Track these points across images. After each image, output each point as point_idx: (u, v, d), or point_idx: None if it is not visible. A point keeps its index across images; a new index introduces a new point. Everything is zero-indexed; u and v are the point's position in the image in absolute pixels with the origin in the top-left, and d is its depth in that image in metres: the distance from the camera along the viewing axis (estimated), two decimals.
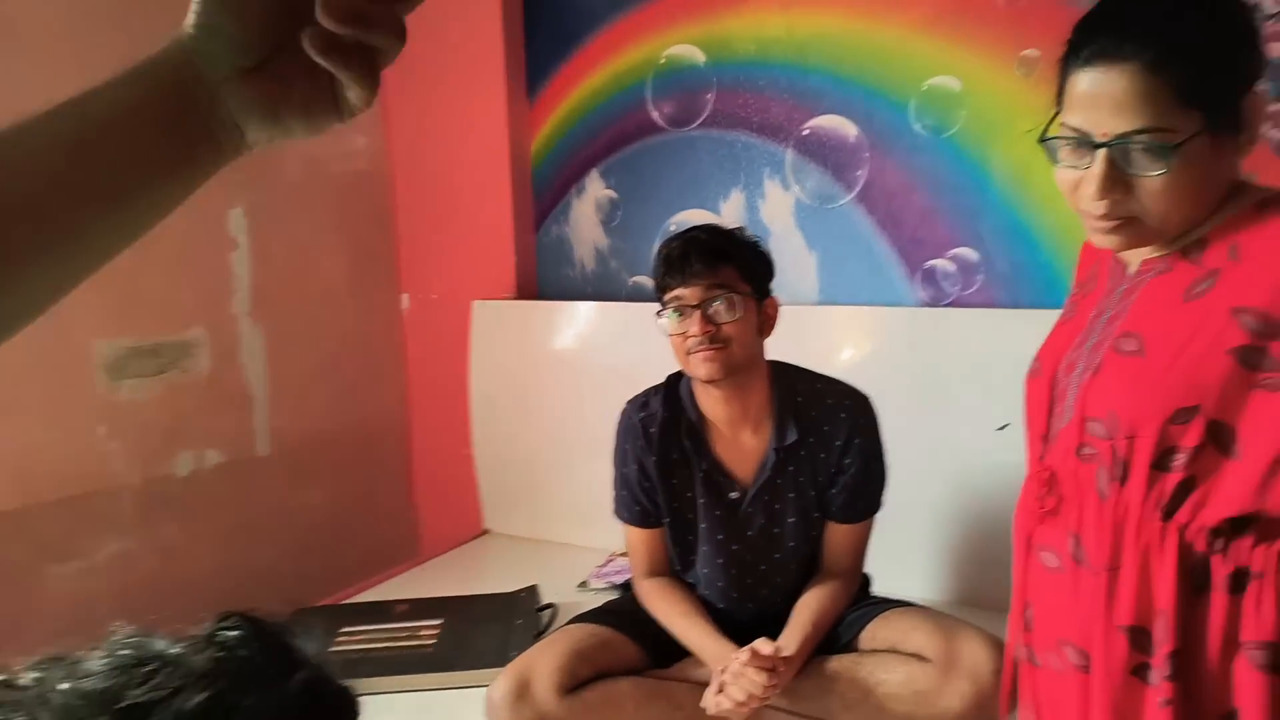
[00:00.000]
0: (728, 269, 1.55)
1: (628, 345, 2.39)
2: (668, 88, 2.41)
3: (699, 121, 2.39)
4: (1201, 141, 0.90)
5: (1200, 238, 0.96)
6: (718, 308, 1.52)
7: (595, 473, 2.37)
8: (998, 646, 1.41)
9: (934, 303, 2.15)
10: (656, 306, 2.28)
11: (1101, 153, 0.91)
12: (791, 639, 1.52)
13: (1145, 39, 0.89)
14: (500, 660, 1.72)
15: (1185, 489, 0.92)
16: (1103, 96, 0.91)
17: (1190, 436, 0.91)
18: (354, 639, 1.85)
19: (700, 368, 1.54)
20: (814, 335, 2.14)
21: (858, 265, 2.23)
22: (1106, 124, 0.91)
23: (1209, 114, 0.90)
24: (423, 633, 1.87)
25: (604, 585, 2.14)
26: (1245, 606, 0.90)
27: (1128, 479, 0.95)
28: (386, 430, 2.77)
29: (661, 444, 1.64)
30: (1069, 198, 0.97)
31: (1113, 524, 0.96)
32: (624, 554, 2.30)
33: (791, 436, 1.58)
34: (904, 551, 1.97)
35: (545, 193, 2.63)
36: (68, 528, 2.02)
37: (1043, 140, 0.98)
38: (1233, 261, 0.92)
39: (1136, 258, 1.02)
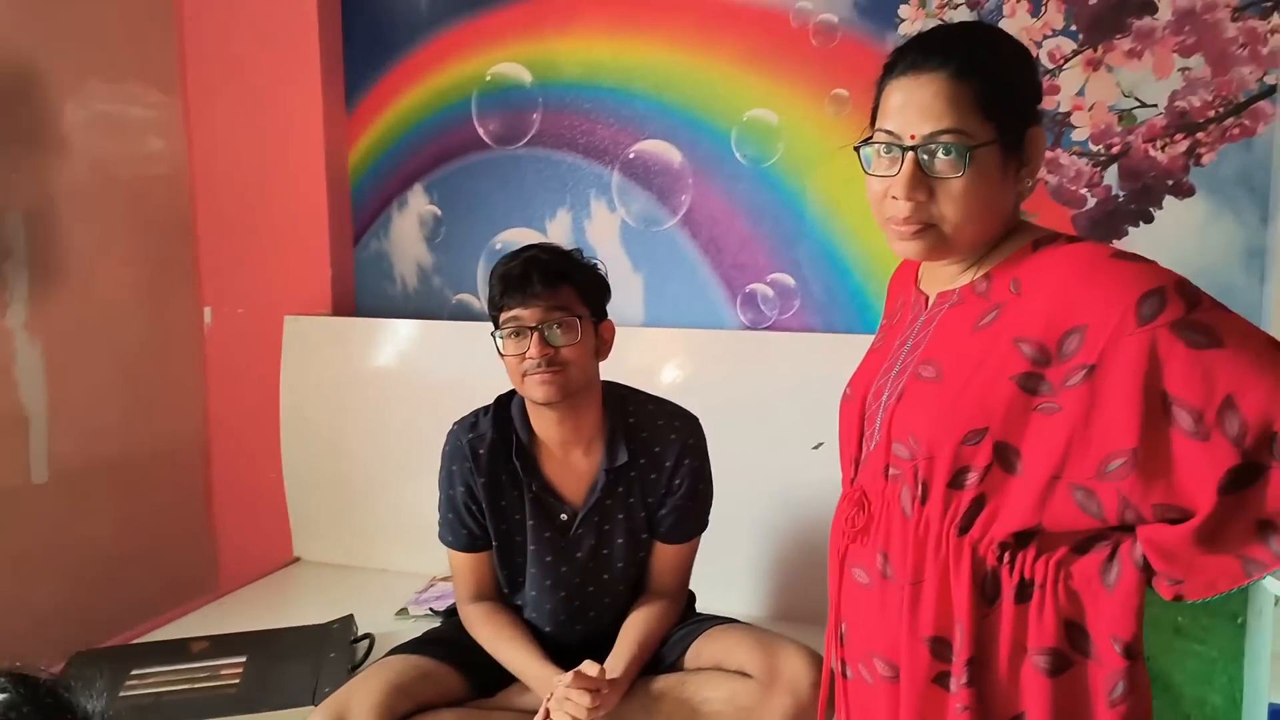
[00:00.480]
0: (567, 291, 1.54)
1: (450, 364, 2.33)
2: (493, 105, 2.39)
3: (525, 140, 2.37)
4: (993, 154, 0.99)
5: (986, 273, 1.04)
6: (556, 331, 1.51)
7: (415, 495, 2.30)
8: (816, 660, 1.46)
9: (754, 326, 2.22)
10: (479, 325, 2.25)
11: (909, 155, 0.99)
12: (617, 661, 1.52)
13: (950, 53, 1.00)
14: (312, 698, 1.63)
15: (977, 506, 0.98)
16: (912, 102, 1.00)
17: (980, 457, 0.97)
18: (146, 682, 1.70)
19: (537, 390, 1.52)
20: (639, 356, 2.16)
21: (682, 288, 2.27)
22: (915, 126, 0.99)
23: (1001, 130, 0.99)
24: (224, 672, 1.74)
25: (424, 612, 2.07)
26: (1030, 615, 0.97)
27: (928, 498, 1.00)
28: (183, 453, 2.58)
29: (490, 466, 1.60)
30: (877, 209, 1.04)
31: (915, 540, 1.01)
32: (446, 578, 2.25)
33: (622, 457, 1.59)
34: (726, 569, 2.01)
35: (365, 206, 2.54)
36: None
37: (859, 146, 1.05)
38: (1014, 295, 1.00)
39: (933, 290, 1.09)
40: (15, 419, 2.14)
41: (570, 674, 1.41)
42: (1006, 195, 1.02)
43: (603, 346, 1.61)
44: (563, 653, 1.55)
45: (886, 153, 1.01)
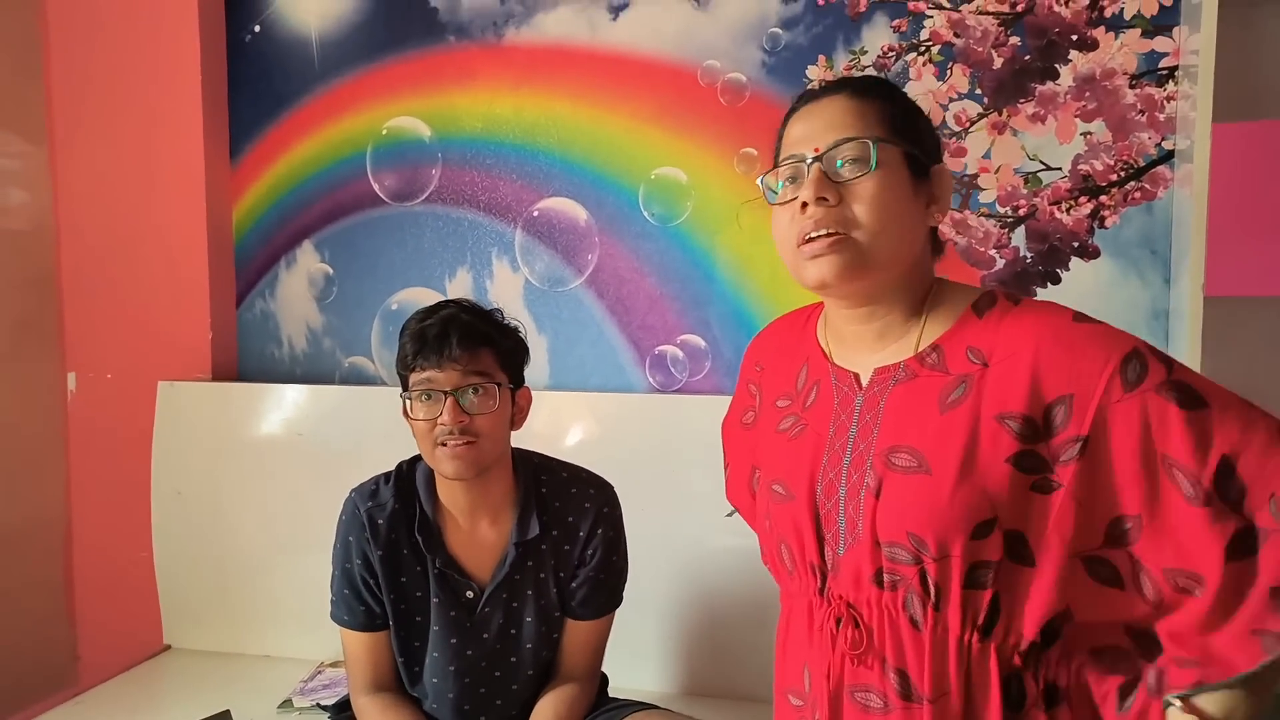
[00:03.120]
0: (487, 355, 1.42)
1: (342, 432, 2.18)
2: (390, 159, 2.29)
3: (424, 196, 2.27)
4: (901, 167, 0.95)
5: (933, 343, 0.97)
6: (473, 397, 1.39)
7: (301, 573, 2.13)
8: None
9: (664, 389, 2.14)
10: (373, 390, 2.11)
11: (814, 165, 0.95)
12: None
13: (850, 82, 0.99)
14: None
15: (995, 604, 0.91)
16: (814, 122, 0.97)
17: (992, 550, 0.90)
18: None
19: (448, 465, 1.39)
20: (544, 421, 2.06)
21: (588, 350, 2.18)
22: (818, 140, 0.95)
23: (908, 150, 0.96)
24: None
25: (309, 704, 1.89)
26: None
27: (943, 603, 0.91)
28: (41, 531, 2.35)
29: (390, 538, 1.46)
30: (784, 241, 0.97)
31: (932, 650, 0.92)
32: (336, 663, 2.08)
33: (534, 530, 1.47)
34: (636, 644, 1.90)
35: (249, 264, 2.39)
36: None
37: (762, 178, 1.01)
38: (981, 368, 0.93)
39: (862, 366, 1.01)
40: None
41: None
42: (917, 217, 0.97)
43: (519, 414, 1.49)
44: None
45: (791, 180, 0.97)
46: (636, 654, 1.90)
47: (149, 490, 2.24)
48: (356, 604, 1.49)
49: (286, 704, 1.90)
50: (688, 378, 2.14)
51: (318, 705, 1.88)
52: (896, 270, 0.96)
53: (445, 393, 1.38)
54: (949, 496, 0.90)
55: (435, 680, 1.49)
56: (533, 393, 1.54)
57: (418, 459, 1.50)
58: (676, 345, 2.14)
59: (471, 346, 1.40)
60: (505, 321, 1.50)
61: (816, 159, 0.95)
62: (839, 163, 0.94)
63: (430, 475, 1.50)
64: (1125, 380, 0.87)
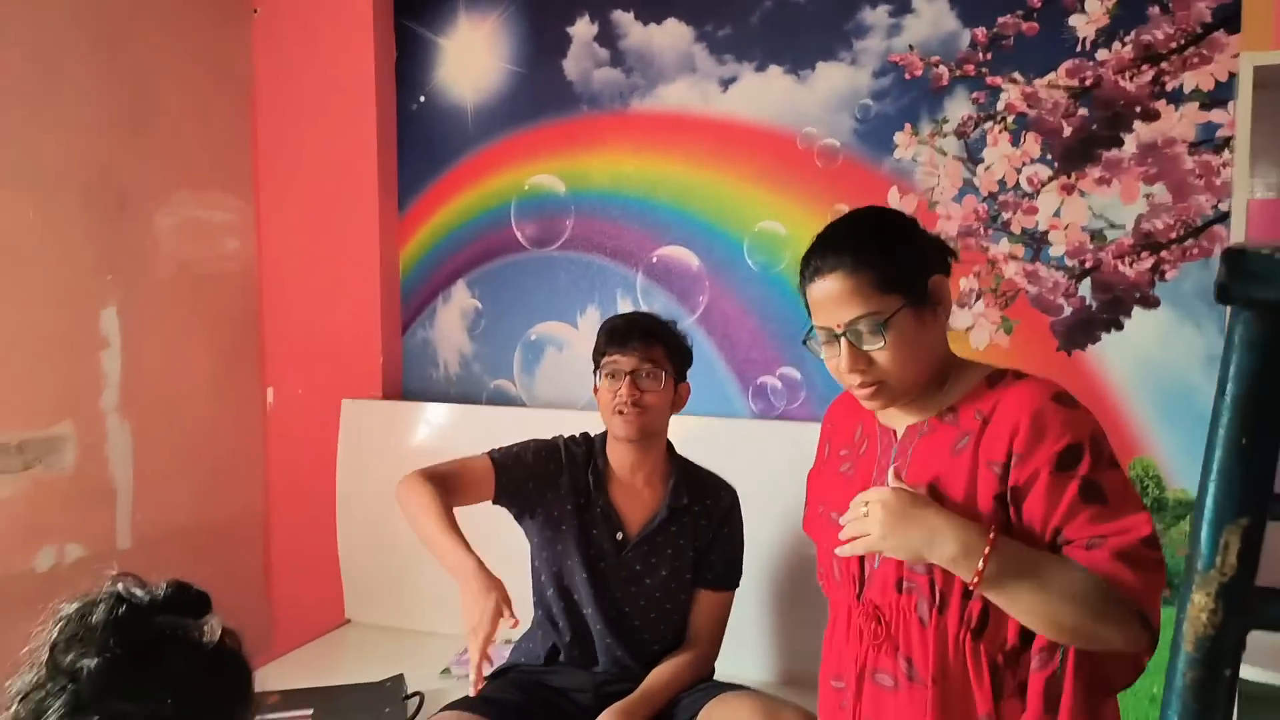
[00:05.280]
0: (659, 349, 1.85)
1: (486, 445, 2.57)
2: (530, 211, 2.67)
3: (559, 243, 2.64)
4: (905, 316, 1.21)
5: (951, 405, 1.26)
6: (645, 377, 1.81)
7: None
8: None
9: (764, 415, 2.46)
10: (514, 410, 2.53)
11: (842, 340, 1.22)
12: (632, 696, 1.78)
13: (842, 252, 1.22)
14: None
15: (985, 613, 1.19)
16: (827, 299, 1.23)
17: None
18: None
19: (620, 428, 1.82)
20: None
21: (698, 380, 2.49)
22: (836, 317, 1.22)
23: (905, 295, 1.21)
24: None
25: (464, 673, 2.28)
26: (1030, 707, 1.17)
27: (945, 608, 1.20)
28: (245, 523, 2.84)
29: (572, 471, 1.90)
30: (836, 376, 1.27)
31: (935, 644, 1.20)
32: None
33: (683, 499, 1.87)
34: (738, 637, 2.22)
35: (413, 299, 2.81)
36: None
37: (804, 341, 1.29)
38: (982, 424, 1.22)
39: (901, 424, 1.31)
40: (106, 491, 2.40)
41: None
42: (931, 337, 1.25)
43: (678, 401, 1.90)
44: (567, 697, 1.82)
45: (825, 342, 1.26)
46: (738, 645, 2.23)
47: (334, 488, 2.70)
48: (510, 457, 1.89)
49: (446, 671, 2.31)
50: (785, 405, 2.45)
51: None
52: (924, 379, 1.26)
53: (625, 372, 1.82)
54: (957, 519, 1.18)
55: (560, 605, 1.88)
56: None
57: (598, 436, 1.95)
58: (776, 377, 2.46)
59: (648, 340, 1.84)
60: (678, 330, 1.93)
61: (840, 334, 1.22)
62: (859, 335, 1.21)
63: (605, 440, 1.92)
64: (1061, 460, 1.15)
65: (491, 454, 1.92)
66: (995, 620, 1.19)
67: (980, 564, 1.12)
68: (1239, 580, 0.52)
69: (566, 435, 1.98)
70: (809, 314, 1.29)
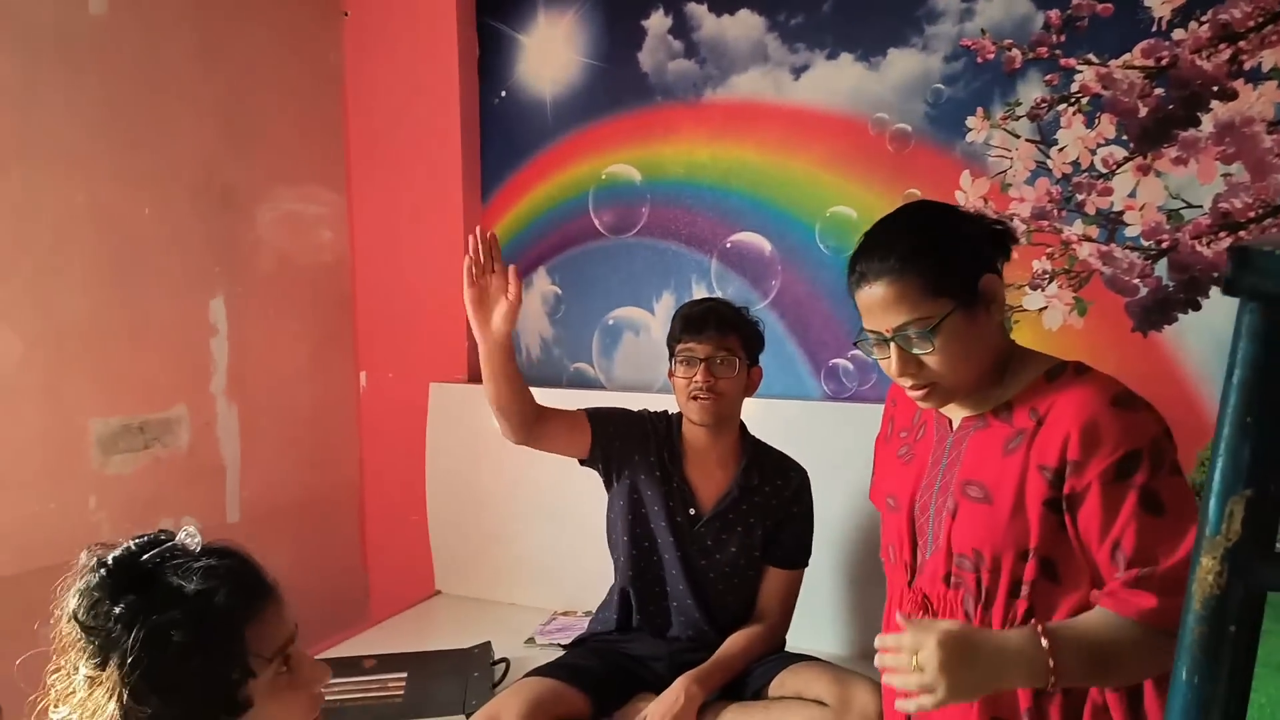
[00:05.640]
0: (733, 337, 1.92)
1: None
2: (607, 200, 2.76)
3: (635, 230, 2.73)
4: (956, 319, 1.18)
5: (1006, 401, 1.23)
6: (720, 365, 1.89)
7: (539, 538, 2.66)
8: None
9: (836, 396, 2.51)
10: (593, 392, 2.64)
11: (892, 345, 1.21)
12: (704, 667, 1.86)
13: (887, 258, 1.20)
14: (461, 709, 1.98)
15: (1029, 614, 1.20)
16: (875, 305, 1.21)
17: (1030, 571, 1.18)
18: (330, 691, 2.08)
19: (695, 413, 1.91)
20: None
21: (771, 362, 2.56)
22: (885, 322, 1.21)
23: (955, 298, 1.18)
24: (390, 685, 2.11)
25: (548, 642, 2.40)
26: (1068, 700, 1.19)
27: (991, 604, 1.20)
28: (341, 499, 3.00)
29: (655, 442, 2.00)
30: (891, 375, 1.26)
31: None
32: (566, 613, 2.58)
33: (754, 479, 1.95)
34: (810, 612, 2.29)
35: None
36: (58, 592, 2.21)
37: (856, 341, 1.29)
38: (1036, 425, 1.19)
39: (957, 415, 1.30)
40: (216, 469, 2.58)
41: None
42: (985, 336, 1.22)
43: (751, 386, 1.97)
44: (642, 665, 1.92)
45: (875, 345, 1.25)
46: (809, 620, 2.29)
47: (423, 466, 2.84)
48: (604, 418, 2.00)
49: (530, 641, 2.43)
50: (856, 386, 2.50)
51: (553, 642, 2.39)
52: (979, 377, 1.24)
53: (700, 359, 1.88)
54: (1005, 525, 1.19)
55: (636, 577, 1.99)
56: None
57: (679, 413, 2.03)
58: (847, 359, 2.50)
59: (722, 328, 1.91)
60: (750, 317, 1.99)
61: (889, 339, 1.21)
62: (908, 339, 1.19)
63: (681, 420, 2.01)
64: (1119, 470, 1.13)
65: (586, 410, 2.03)
66: (1041, 619, 1.20)
67: (1050, 678, 1.09)
68: (1243, 545, 0.58)
69: (649, 412, 2.07)
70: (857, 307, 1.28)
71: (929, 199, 1.38)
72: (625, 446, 2.00)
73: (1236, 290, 0.57)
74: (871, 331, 1.24)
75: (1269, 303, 0.57)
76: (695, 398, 1.90)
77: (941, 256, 1.20)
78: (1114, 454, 1.13)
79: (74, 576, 0.96)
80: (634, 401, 2.23)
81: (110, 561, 0.95)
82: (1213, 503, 0.59)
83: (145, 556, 0.96)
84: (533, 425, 1.92)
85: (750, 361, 1.97)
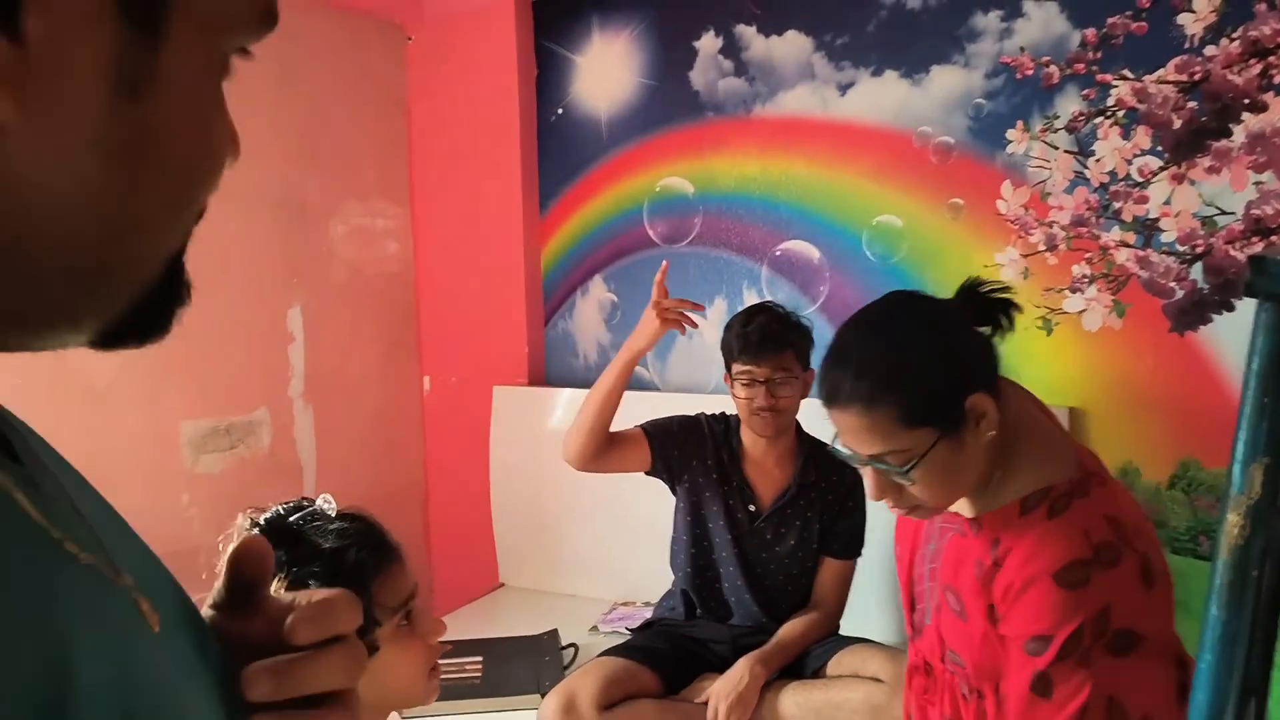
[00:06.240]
0: (789, 353, 2.02)
1: (621, 425, 2.81)
2: (661, 211, 2.89)
3: (688, 240, 2.86)
4: (937, 450, 1.04)
5: (978, 518, 1.14)
6: (780, 386, 2.00)
7: (598, 533, 2.80)
8: None
9: None
10: (647, 394, 2.76)
11: (868, 469, 1.10)
12: (764, 650, 1.98)
13: (861, 379, 1.05)
14: (536, 688, 2.11)
15: None
16: (845, 430, 1.09)
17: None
18: None
19: (759, 426, 2.03)
20: None
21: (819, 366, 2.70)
22: (859, 448, 1.09)
23: (937, 426, 1.04)
24: (468, 667, 2.25)
25: (610, 630, 2.54)
26: None
27: (982, 697, 1.16)
28: (407, 496, 3.16)
29: (714, 445, 2.11)
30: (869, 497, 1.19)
31: (975, 717, 1.17)
32: (626, 603, 2.72)
33: (811, 476, 2.07)
34: (864, 602, 2.41)
35: (554, 293, 3.08)
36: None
37: (828, 448, 1.18)
38: (993, 565, 1.11)
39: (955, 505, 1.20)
40: (293, 468, 2.75)
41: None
42: (971, 458, 1.08)
43: (806, 388, 2.08)
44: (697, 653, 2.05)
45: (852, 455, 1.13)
46: (864, 610, 2.41)
47: (487, 465, 2.99)
48: (660, 432, 2.11)
49: (594, 628, 2.56)
50: None
51: (615, 630, 2.52)
52: (968, 492, 1.13)
53: (760, 382, 1.98)
54: (979, 643, 1.14)
55: (701, 568, 2.10)
56: None
57: (736, 415, 2.12)
58: None
59: (779, 346, 2.00)
60: (803, 323, 2.08)
61: (866, 463, 1.08)
62: (885, 465, 1.07)
63: (739, 421, 2.11)
64: (1027, 646, 1.07)
65: (643, 426, 2.15)
66: None
67: None
68: (1262, 502, 0.70)
69: (708, 413, 2.19)
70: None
71: (920, 291, 1.25)
72: (684, 454, 2.12)
73: (1254, 292, 0.69)
74: (846, 448, 1.12)
75: None
76: (757, 413, 2.01)
77: (921, 383, 1.06)
78: (1030, 628, 1.07)
79: (235, 535, 1.11)
80: (689, 403, 2.36)
81: (263, 522, 1.10)
82: (1237, 470, 0.71)
83: (292, 519, 1.11)
84: (603, 448, 2.06)
85: (805, 367, 2.08)
